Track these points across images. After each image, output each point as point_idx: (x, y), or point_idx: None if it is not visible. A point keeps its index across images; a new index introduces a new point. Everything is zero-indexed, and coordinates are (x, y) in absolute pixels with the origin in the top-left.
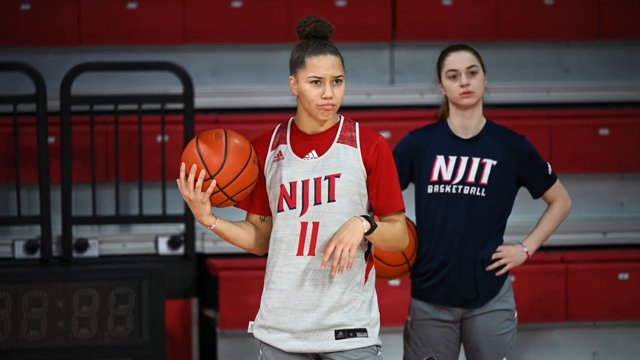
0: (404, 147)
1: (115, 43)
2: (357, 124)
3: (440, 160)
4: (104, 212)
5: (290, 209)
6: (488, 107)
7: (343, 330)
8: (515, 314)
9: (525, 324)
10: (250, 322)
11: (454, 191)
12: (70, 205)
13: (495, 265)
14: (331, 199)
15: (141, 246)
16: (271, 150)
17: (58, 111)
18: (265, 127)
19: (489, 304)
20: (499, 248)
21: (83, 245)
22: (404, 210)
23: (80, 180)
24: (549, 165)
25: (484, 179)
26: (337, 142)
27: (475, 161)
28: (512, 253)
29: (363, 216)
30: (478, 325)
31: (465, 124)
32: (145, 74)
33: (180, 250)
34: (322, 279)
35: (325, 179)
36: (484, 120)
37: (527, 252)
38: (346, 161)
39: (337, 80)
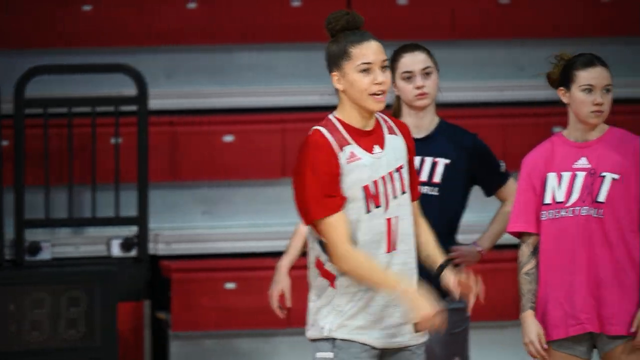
0: None
1: (69, 46)
2: (381, 114)
3: None
4: (57, 214)
5: (376, 208)
6: (442, 107)
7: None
8: (468, 313)
9: (478, 323)
10: (319, 326)
11: None
12: (23, 208)
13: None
14: (403, 190)
15: (94, 249)
16: (340, 151)
17: (12, 114)
18: (220, 129)
19: (442, 303)
20: (453, 248)
21: (35, 248)
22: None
23: (33, 183)
24: (502, 164)
25: (437, 178)
26: (388, 134)
27: (428, 160)
28: (465, 253)
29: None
30: None
31: (418, 123)
32: (99, 77)
33: (133, 253)
34: (407, 272)
35: (396, 171)
36: (437, 120)
37: (480, 251)
38: (400, 151)
39: (384, 66)
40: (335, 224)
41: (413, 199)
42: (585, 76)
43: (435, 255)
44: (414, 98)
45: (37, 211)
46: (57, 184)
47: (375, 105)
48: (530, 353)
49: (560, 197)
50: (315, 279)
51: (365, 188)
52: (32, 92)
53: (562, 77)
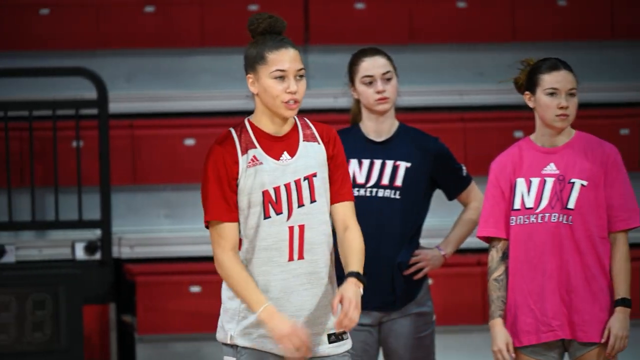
0: None
1: (29, 48)
2: (306, 119)
3: (353, 163)
4: (20, 217)
5: (277, 214)
6: (402, 111)
7: (335, 334)
8: (434, 317)
9: (443, 327)
10: (225, 330)
11: (367, 194)
12: None
13: (413, 269)
14: (313, 199)
15: (58, 252)
16: (242, 155)
17: None
18: (180, 132)
19: (407, 307)
20: (416, 252)
21: None
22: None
23: None
24: (464, 167)
25: (398, 182)
26: (303, 140)
27: (389, 164)
28: (429, 257)
29: (353, 276)
30: (397, 328)
31: (379, 127)
32: (60, 80)
33: (97, 256)
34: (314, 282)
35: (304, 179)
36: (397, 123)
37: (444, 255)
38: (316, 159)
39: (299, 75)
40: (222, 230)
41: (340, 200)
42: (550, 80)
43: (348, 265)
44: (374, 102)
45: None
46: (19, 186)
47: (287, 113)
48: None
49: (530, 203)
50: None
51: (265, 193)
52: None
53: (528, 82)
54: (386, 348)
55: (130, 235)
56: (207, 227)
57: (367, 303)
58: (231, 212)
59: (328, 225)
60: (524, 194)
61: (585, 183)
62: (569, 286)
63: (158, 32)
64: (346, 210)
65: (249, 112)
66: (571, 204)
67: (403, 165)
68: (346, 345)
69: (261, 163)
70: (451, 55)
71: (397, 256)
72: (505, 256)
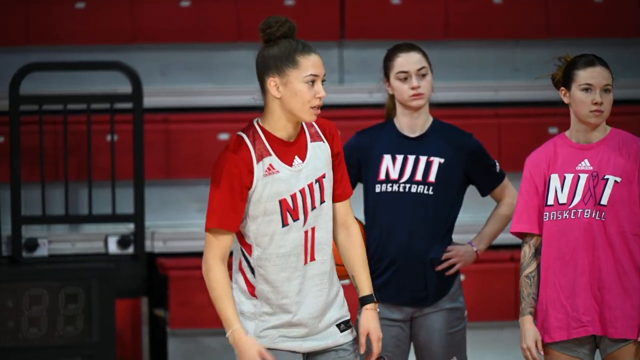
0: (351, 149)
1: (64, 43)
2: None
3: (387, 159)
4: (54, 211)
5: (294, 221)
6: (437, 106)
7: (344, 322)
8: (465, 313)
9: (475, 323)
10: (245, 330)
11: (401, 190)
12: (20, 205)
13: (445, 265)
14: (322, 200)
15: (91, 246)
16: (257, 162)
17: (7, 111)
18: (214, 127)
19: (439, 302)
20: (449, 248)
21: (33, 244)
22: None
23: (29, 179)
24: (497, 163)
25: (431, 177)
26: (311, 141)
27: (423, 159)
28: (461, 253)
29: (371, 302)
30: (428, 324)
31: (413, 123)
32: (94, 74)
33: (130, 250)
34: (325, 281)
35: (315, 182)
36: (431, 119)
37: (476, 251)
38: (323, 159)
39: (324, 80)
40: (221, 238)
41: (344, 198)
42: (585, 75)
43: (361, 282)
44: (409, 98)
45: (33, 208)
46: (52, 180)
47: (312, 118)
48: (526, 358)
49: (563, 199)
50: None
51: (283, 202)
52: (27, 89)
53: (564, 78)
54: (418, 343)
55: (163, 229)
56: (206, 230)
57: (399, 298)
58: (236, 223)
59: (332, 222)
60: (558, 189)
61: (618, 179)
62: (600, 282)
63: (193, 26)
64: (347, 209)
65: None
66: (604, 200)
67: (436, 161)
68: (353, 332)
69: (278, 171)
70: (486, 51)
71: (430, 252)
72: (537, 252)
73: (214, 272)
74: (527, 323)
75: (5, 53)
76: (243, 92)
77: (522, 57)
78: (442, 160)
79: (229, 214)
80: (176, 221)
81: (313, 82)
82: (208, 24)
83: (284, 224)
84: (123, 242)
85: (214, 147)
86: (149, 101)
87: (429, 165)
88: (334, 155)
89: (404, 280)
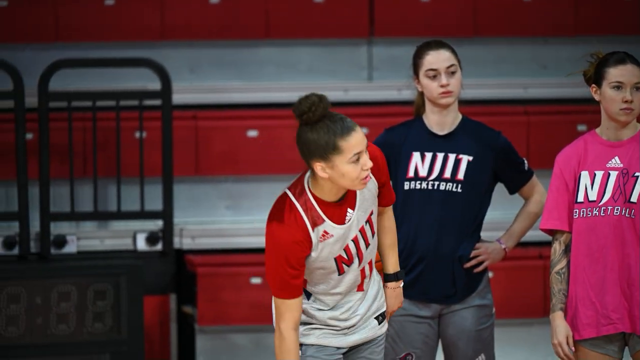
0: (380, 146)
1: (93, 39)
2: None
3: (416, 156)
4: (82, 208)
5: (349, 266)
6: (466, 104)
7: (381, 315)
8: (494, 310)
9: (503, 320)
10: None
11: (430, 187)
12: (49, 202)
13: (473, 262)
14: (373, 233)
15: (119, 242)
16: (312, 231)
17: (36, 107)
18: (243, 124)
19: (467, 299)
20: (477, 245)
21: (61, 241)
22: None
23: (58, 176)
24: (526, 161)
25: (460, 175)
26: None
27: (451, 157)
28: (489, 250)
29: (389, 279)
30: (456, 320)
31: (442, 120)
32: (123, 71)
33: (159, 247)
34: (372, 287)
35: (366, 222)
36: (460, 116)
37: (504, 249)
38: (370, 197)
39: (366, 149)
40: (288, 307)
41: (388, 205)
42: (615, 73)
43: (388, 263)
44: (438, 96)
45: (62, 205)
46: (81, 177)
47: (362, 187)
48: (557, 354)
49: (593, 196)
50: None
51: (338, 258)
52: (56, 86)
53: (595, 75)
54: (446, 340)
55: (191, 226)
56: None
57: (427, 295)
58: (299, 290)
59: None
60: (588, 186)
61: None
62: (629, 279)
63: (223, 23)
64: (390, 210)
65: None
66: (634, 198)
67: (465, 159)
68: (387, 324)
69: (332, 235)
70: (515, 48)
71: (458, 249)
72: (567, 249)
73: (288, 342)
74: (558, 319)
75: (35, 50)
76: (272, 89)
77: (551, 54)
78: (470, 158)
79: (291, 284)
80: (205, 218)
81: (358, 158)
82: (237, 21)
83: (340, 272)
84: (151, 238)
85: (243, 144)
86: (178, 98)
87: (457, 163)
88: (381, 186)
89: (432, 277)
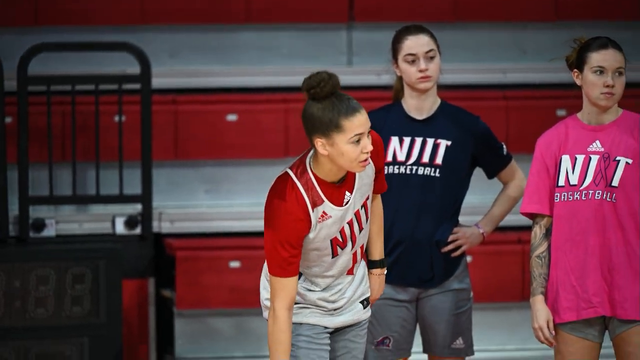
0: None
1: (72, 23)
2: None
3: (394, 141)
4: (61, 192)
5: (342, 249)
6: (445, 88)
7: (366, 299)
8: (471, 294)
9: (482, 304)
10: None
11: (408, 172)
12: (27, 185)
13: (451, 246)
14: (367, 218)
15: (98, 226)
16: (312, 211)
17: (15, 91)
18: (223, 108)
19: (445, 283)
20: (455, 229)
21: (40, 225)
22: None
23: (37, 160)
24: (504, 146)
25: (438, 160)
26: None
27: (430, 141)
28: (467, 234)
29: (373, 265)
30: (434, 304)
31: (420, 105)
32: (103, 55)
33: (137, 230)
34: (360, 271)
35: (362, 207)
36: (439, 101)
37: (482, 233)
38: (367, 181)
39: (369, 132)
40: (283, 286)
41: (379, 192)
42: (597, 58)
43: (374, 249)
44: (416, 81)
45: (40, 188)
46: (60, 161)
47: (361, 169)
48: (538, 338)
49: (574, 180)
50: None
51: (334, 240)
52: (36, 70)
53: (577, 60)
54: (423, 324)
55: (170, 210)
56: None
57: (405, 279)
58: (296, 269)
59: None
60: (569, 170)
61: (630, 161)
62: (610, 263)
63: (203, 7)
64: (379, 198)
65: (291, 89)
66: (615, 182)
67: (444, 144)
68: (370, 310)
69: (330, 217)
70: (494, 33)
71: (436, 233)
72: (548, 233)
73: (280, 322)
74: (539, 303)
75: (14, 33)
76: (252, 73)
77: (531, 39)
78: (449, 143)
79: (289, 262)
80: (184, 202)
81: (359, 140)
82: (217, 5)
83: (334, 255)
84: (130, 222)
85: (222, 129)
86: (157, 82)
87: (436, 147)
88: (377, 171)
89: (410, 262)
